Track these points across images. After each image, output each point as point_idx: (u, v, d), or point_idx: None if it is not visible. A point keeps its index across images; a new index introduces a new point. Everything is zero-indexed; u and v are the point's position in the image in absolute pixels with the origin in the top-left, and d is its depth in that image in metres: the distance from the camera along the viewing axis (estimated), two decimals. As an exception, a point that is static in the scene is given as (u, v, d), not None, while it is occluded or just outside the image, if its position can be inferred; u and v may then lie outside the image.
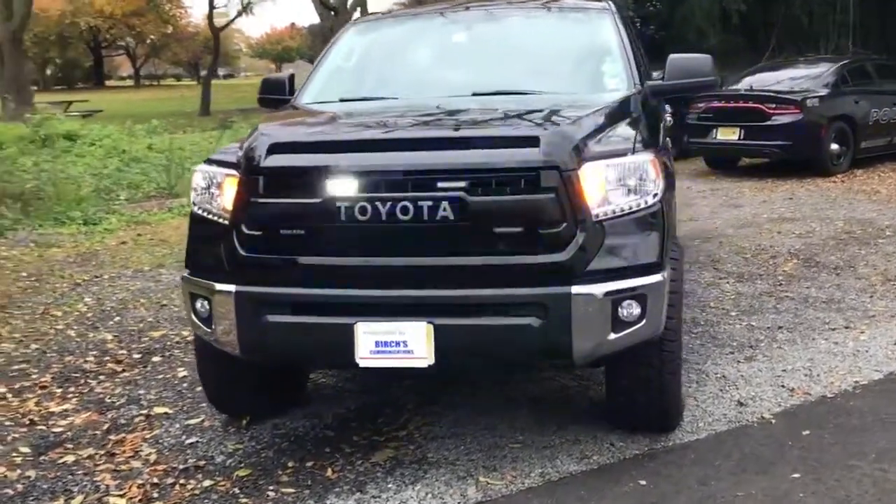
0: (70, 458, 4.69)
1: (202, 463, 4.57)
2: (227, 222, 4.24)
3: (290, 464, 4.51)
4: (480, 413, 5.00)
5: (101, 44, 72.83)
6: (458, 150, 4.02)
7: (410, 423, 4.94)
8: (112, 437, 4.95)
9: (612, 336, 3.96)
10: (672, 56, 5.41)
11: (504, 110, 4.58)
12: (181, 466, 4.54)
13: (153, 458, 4.65)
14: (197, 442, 4.82)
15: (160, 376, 5.86)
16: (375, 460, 4.51)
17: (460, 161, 3.98)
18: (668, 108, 7.20)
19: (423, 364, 3.98)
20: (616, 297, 3.95)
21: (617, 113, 4.58)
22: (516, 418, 4.91)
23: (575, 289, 3.88)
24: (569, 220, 3.90)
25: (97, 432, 5.01)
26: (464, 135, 4.18)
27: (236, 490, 4.27)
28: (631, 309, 3.99)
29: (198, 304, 4.35)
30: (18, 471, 4.55)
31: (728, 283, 7.84)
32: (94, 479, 4.44)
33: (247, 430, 4.93)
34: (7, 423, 5.20)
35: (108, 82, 75.33)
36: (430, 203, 3.92)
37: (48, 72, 75.36)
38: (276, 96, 5.74)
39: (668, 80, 5.30)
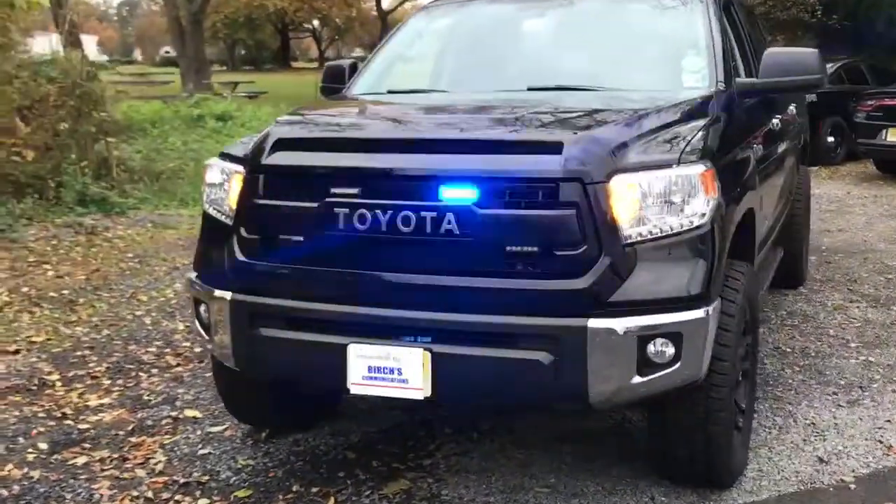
0: (81, 460, 4.49)
1: (206, 478, 4.26)
2: (231, 223, 3.89)
3: (294, 488, 4.15)
4: (519, 447, 4.48)
5: (288, 26, 75.00)
6: (468, 155, 3.51)
7: (440, 451, 4.48)
8: (133, 439, 4.73)
9: (638, 379, 3.37)
10: (770, 51, 4.70)
11: (548, 109, 4.03)
12: (182, 480, 4.25)
13: (160, 467, 4.39)
14: (210, 454, 4.53)
15: (207, 374, 5.61)
16: (386, 492, 4.08)
17: (469, 168, 3.47)
18: (792, 109, 6.36)
19: (419, 396, 3.51)
20: (643, 335, 3.35)
21: (680, 115, 3.94)
22: (556, 456, 4.37)
23: (592, 322, 3.31)
24: (591, 241, 3.33)
25: (120, 433, 4.80)
26: (476, 137, 3.66)
27: (228, 513, 3.93)
28: (662, 348, 3.38)
29: (200, 310, 4.02)
30: (25, 470, 4.39)
31: (858, 307, 6.95)
32: (93, 486, 4.21)
33: (265, 445, 4.60)
34: (41, 414, 5.08)
35: (294, 64, 77.52)
36: (433, 214, 3.44)
37: (237, 53, 78.45)
38: (336, 85, 5.35)
39: (762, 77, 4.57)
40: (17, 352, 6.15)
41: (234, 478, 4.27)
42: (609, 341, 3.31)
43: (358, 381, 3.58)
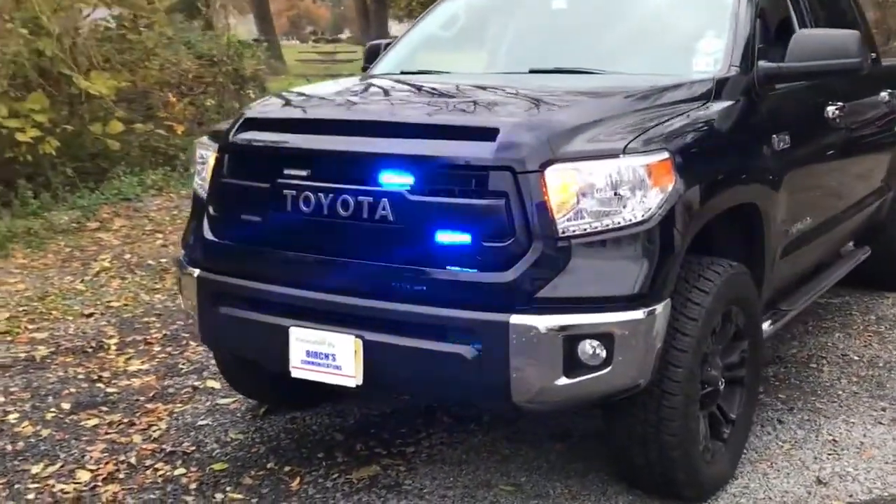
0: (92, 422, 4.70)
1: (192, 449, 4.38)
2: (205, 201, 3.96)
3: (269, 465, 4.20)
4: (511, 442, 4.34)
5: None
6: (403, 140, 3.41)
7: (429, 439, 4.41)
8: (149, 405, 4.91)
9: (564, 381, 3.19)
10: (800, 32, 4.32)
11: (519, 92, 3.86)
12: (170, 449, 4.38)
13: (157, 434, 4.54)
14: (207, 425, 4.64)
15: (246, 348, 5.73)
16: (353, 476, 4.06)
17: (403, 152, 3.38)
18: (884, 95, 5.79)
19: (351, 383, 3.47)
20: (570, 334, 3.17)
21: (659, 100, 3.69)
22: (542, 454, 4.21)
23: (515, 318, 3.15)
24: (520, 233, 3.17)
25: (140, 398, 5.00)
26: (412, 121, 3.55)
27: (193, 486, 4.03)
28: (593, 350, 3.18)
29: (181, 286, 4.13)
30: (38, 427, 4.64)
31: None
32: (88, 447, 4.41)
33: (261, 420, 4.67)
34: (80, 376, 5.35)
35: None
36: (370, 199, 3.38)
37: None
38: (371, 64, 5.33)
39: (789, 62, 4.19)
40: (90, 315, 6.50)
41: (218, 450, 4.35)
42: (532, 339, 3.15)
43: (298, 364, 3.56)
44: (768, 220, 4.02)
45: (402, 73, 4.80)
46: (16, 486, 4.04)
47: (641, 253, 3.23)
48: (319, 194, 3.47)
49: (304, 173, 3.53)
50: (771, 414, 4.63)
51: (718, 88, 3.92)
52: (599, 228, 3.22)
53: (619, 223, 3.22)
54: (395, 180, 3.34)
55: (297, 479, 4.05)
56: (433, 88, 4.17)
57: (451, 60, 4.88)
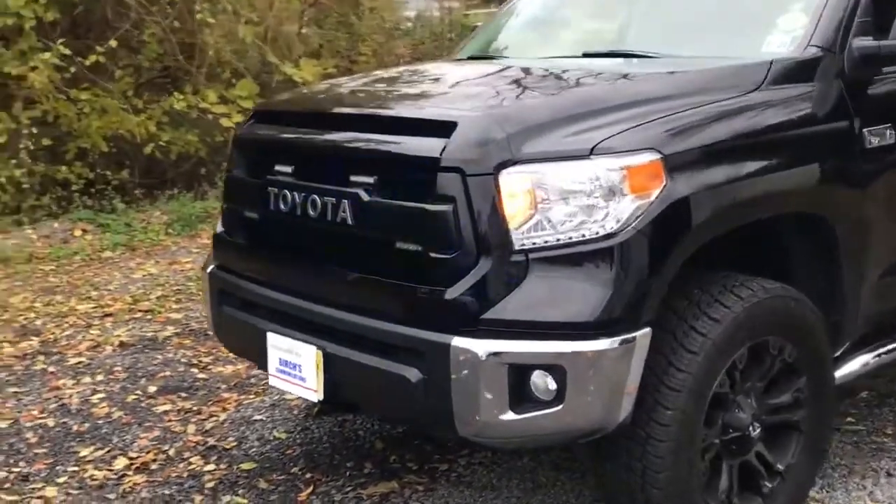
0: (163, 408, 4.78)
1: (232, 445, 4.33)
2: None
3: (293, 470, 4.06)
4: (557, 468, 3.92)
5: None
6: (365, 135, 3.11)
7: (469, 457, 4.07)
8: (224, 394, 4.93)
9: (511, 416, 2.78)
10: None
11: (554, 80, 3.46)
12: (212, 443, 4.36)
13: (210, 426, 4.54)
14: (260, 420, 4.58)
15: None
16: (366, 492, 3.82)
17: (363, 148, 3.08)
18: None
19: (314, 398, 3.24)
20: (516, 363, 2.74)
21: (689, 89, 3.11)
22: (576, 488, 3.76)
23: (456, 341, 2.78)
24: (467, 245, 2.79)
25: (222, 387, 5.03)
26: (379, 114, 3.22)
27: (210, 485, 3.96)
28: (543, 383, 2.74)
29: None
30: (113, 409, 4.77)
31: None
32: (141, 434, 4.47)
33: (313, 420, 4.52)
34: (182, 360, 5.48)
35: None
36: (333, 199, 3.11)
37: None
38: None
39: (894, 38, 3.43)
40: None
41: (255, 449, 4.27)
42: (473, 366, 2.75)
43: (273, 372, 3.38)
44: (847, 234, 3.31)
45: (470, 58, 4.44)
46: (57, 468, 4.15)
47: (607, 272, 2.73)
48: (294, 193, 3.25)
49: (285, 169, 3.32)
50: (878, 463, 3.87)
51: (777, 73, 3.25)
52: (560, 242, 2.75)
53: (581, 237, 2.73)
54: (354, 179, 3.05)
55: (310, 489, 3.87)
56: (453, 77, 3.81)
57: (522, 44, 4.44)
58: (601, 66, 3.58)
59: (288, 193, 3.26)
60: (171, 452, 4.26)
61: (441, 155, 2.80)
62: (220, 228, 3.75)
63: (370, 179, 3.00)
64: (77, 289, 7.04)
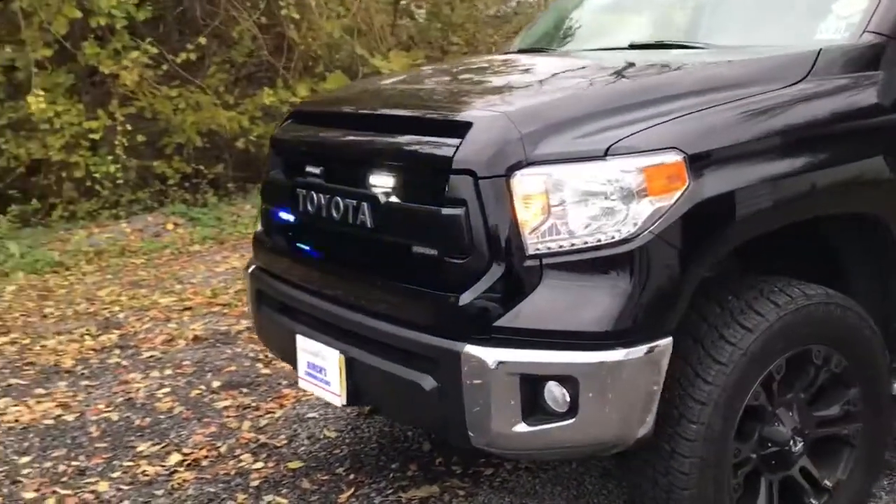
0: (224, 403, 4.84)
1: (283, 443, 4.34)
2: (267, 195, 3.87)
3: (338, 470, 4.05)
4: (607, 476, 3.79)
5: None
6: (385, 136, 3.04)
7: (512, 462, 3.98)
8: (285, 390, 4.95)
9: (524, 428, 2.68)
10: None
11: (582, 75, 3.31)
12: (264, 440, 4.38)
13: (264, 423, 4.57)
14: (313, 418, 4.58)
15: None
16: (407, 495, 3.78)
17: (381, 150, 3.02)
18: None
19: (338, 402, 3.20)
20: (528, 374, 2.64)
21: (729, 82, 2.93)
22: (622, 496, 3.63)
23: (468, 349, 2.69)
24: (480, 249, 2.69)
25: (283, 382, 5.05)
26: (398, 114, 3.13)
27: (255, 483, 3.98)
28: (558, 395, 2.64)
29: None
30: (175, 404, 4.85)
31: None
32: (198, 430, 4.53)
33: (365, 419, 4.49)
34: (249, 354, 5.54)
35: None
36: (354, 202, 3.06)
37: None
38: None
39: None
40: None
41: (304, 447, 4.27)
42: (485, 375, 2.66)
43: (303, 375, 3.36)
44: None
45: (520, 51, 4.31)
46: (113, 462, 4.23)
47: (622, 279, 2.59)
48: (320, 194, 3.21)
49: (313, 170, 3.28)
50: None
51: (827, 62, 3.04)
52: (575, 247, 2.62)
53: (597, 242, 2.60)
54: (373, 182, 2.99)
55: (351, 490, 3.84)
56: (488, 72, 3.69)
57: (572, 35, 4.28)
58: (639, 58, 3.41)
59: (314, 195, 3.22)
60: (224, 449, 4.29)
61: (453, 156, 2.71)
62: (259, 228, 3.74)
63: (388, 182, 2.94)
64: (162, 282, 7.21)
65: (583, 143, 2.65)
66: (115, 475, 4.11)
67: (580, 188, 2.62)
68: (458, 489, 3.78)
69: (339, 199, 3.09)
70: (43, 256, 7.92)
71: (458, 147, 2.71)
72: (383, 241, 2.97)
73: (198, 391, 5.00)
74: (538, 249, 2.64)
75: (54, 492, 3.94)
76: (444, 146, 2.76)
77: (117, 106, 8.96)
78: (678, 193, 2.60)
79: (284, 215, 3.47)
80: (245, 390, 4.98)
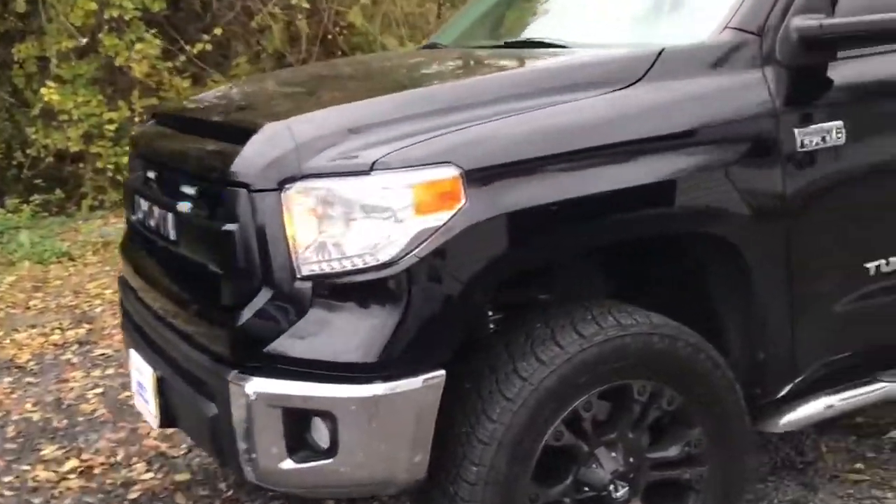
0: (147, 407, 4.74)
1: (181, 453, 4.23)
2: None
3: (220, 486, 3.92)
4: None
5: None
6: (192, 143, 2.91)
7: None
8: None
9: (290, 465, 2.47)
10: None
11: (398, 78, 3.09)
12: (164, 449, 4.29)
13: (171, 431, 4.39)
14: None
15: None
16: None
17: (185, 158, 2.89)
18: None
19: (155, 423, 3.04)
20: (289, 407, 2.44)
21: (552, 85, 2.66)
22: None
23: (233, 376, 2.51)
24: (253, 269, 2.50)
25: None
26: (209, 120, 2.99)
27: (134, 496, 3.89)
28: (319, 431, 2.43)
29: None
30: (100, 406, 4.80)
31: None
32: (109, 435, 4.47)
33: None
34: (198, 354, 5.44)
35: None
36: (163, 212, 2.93)
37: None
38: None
39: (840, 16, 2.79)
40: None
41: (200, 459, 4.14)
42: (247, 407, 2.47)
43: (134, 392, 3.22)
44: (764, 260, 2.75)
45: (424, 47, 4.08)
46: (13, 466, 4.19)
47: (384, 307, 2.36)
48: (145, 201, 3.08)
49: (148, 175, 3.14)
50: None
51: (670, 63, 2.71)
52: (343, 269, 2.40)
53: (363, 264, 2.38)
54: (178, 191, 2.82)
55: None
56: (350, 73, 3.48)
57: (471, 31, 4.00)
58: (482, 59, 3.14)
59: (143, 202, 3.08)
60: (121, 457, 4.20)
61: (230, 167, 2.52)
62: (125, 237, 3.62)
63: (187, 192, 2.77)
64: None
65: (353, 157, 2.42)
66: (7, 479, 4.06)
67: (346, 206, 2.39)
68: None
69: (155, 208, 2.95)
70: (51, 246, 8.01)
71: (236, 157, 2.52)
72: (181, 255, 2.80)
73: (129, 393, 4.88)
74: (312, 271, 2.43)
75: (-62, 494, 3.92)
76: (226, 156, 2.57)
77: (137, 97, 9.01)
78: (451, 213, 2.35)
79: (131, 221, 3.34)
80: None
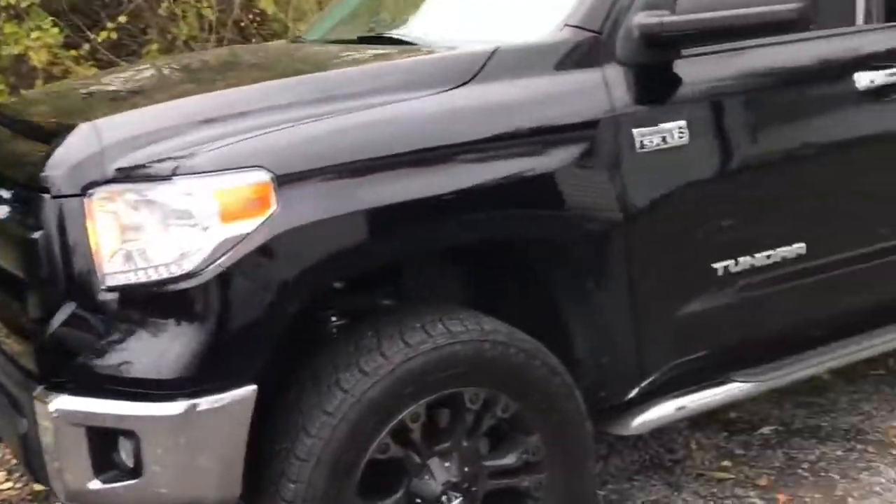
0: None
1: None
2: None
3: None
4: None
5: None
6: (9, 145, 2.76)
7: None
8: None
9: (97, 486, 2.36)
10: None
11: (223, 74, 3.00)
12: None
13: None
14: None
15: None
16: None
17: (7, 160, 2.73)
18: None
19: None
20: (92, 425, 2.32)
21: (370, 86, 2.56)
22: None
23: (38, 393, 2.39)
24: (59, 279, 2.38)
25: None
26: (31, 121, 2.89)
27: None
28: (124, 451, 2.32)
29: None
30: None
31: None
32: None
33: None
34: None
35: None
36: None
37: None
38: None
39: (681, 14, 2.72)
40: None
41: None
42: (50, 424, 2.35)
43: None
44: (605, 264, 2.68)
45: (292, 41, 3.96)
46: None
47: (185, 320, 2.26)
48: None
49: None
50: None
51: (503, 63, 2.63)
52: (147, 280, 2.29)
53: (168, 275, 2.26)
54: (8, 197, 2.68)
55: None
56: (193, 67, 3.36)
57: (343, 23, 3.89)
58: (323, 56, 3.05)
59: None
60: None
61: (38, 171, 2.39)
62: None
63: (3, 196, 2.63)
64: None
65: (156, 161, 2.31)
66: None
67: (151, 213, 2.28)
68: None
69: None
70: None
71: (42, 160, 2.39)
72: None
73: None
74: (118, 281, 2.31)
75: None
76: (36, 158, 2.44)
77: (41, 86, 8.73)
78: (260, 220, 2.25)
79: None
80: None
